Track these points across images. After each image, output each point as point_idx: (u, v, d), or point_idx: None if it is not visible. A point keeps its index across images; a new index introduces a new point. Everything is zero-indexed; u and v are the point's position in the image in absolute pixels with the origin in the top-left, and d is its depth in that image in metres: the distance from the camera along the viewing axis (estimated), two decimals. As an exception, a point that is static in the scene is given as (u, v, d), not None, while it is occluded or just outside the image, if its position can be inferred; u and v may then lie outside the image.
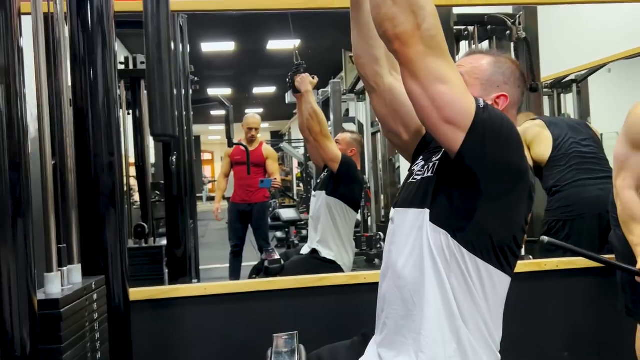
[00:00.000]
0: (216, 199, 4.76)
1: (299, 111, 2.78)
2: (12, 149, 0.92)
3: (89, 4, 1.41)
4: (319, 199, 2.75)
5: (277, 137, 14.14)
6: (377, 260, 4.78)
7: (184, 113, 2.65)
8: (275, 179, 4.49)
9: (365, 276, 2.07)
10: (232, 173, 4.55)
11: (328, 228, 2.68)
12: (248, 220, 4.40)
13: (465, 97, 1.03)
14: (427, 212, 1.10)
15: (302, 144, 9.16)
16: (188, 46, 2.87)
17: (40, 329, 0.98)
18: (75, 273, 1.23)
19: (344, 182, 2.66)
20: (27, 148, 0.94)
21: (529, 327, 2.06)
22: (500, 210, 1.08)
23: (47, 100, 1.14)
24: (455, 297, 1.07)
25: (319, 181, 2.91)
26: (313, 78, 2.65)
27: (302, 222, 5.50)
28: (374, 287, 2.02)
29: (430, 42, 1.00)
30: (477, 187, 1.05)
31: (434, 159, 1.17)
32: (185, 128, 2.66)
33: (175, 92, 0.98)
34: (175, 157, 2.49)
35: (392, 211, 1.24)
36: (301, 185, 11.22)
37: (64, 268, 1.19)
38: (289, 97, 8.52)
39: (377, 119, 1.43)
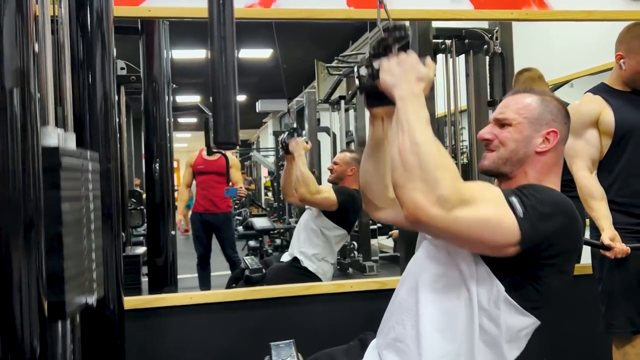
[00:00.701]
0: (179, 210, 4.65)
1: (287, 171, 2.83)
2: (26, 152, 0.90)
3: (88, 8, 1.39)
4: (313, 213, 2.76)
5: (245, 146, 14.07)
6: (350, 270, 4.80)
7: (167, 120, 2.63)
8: (241, 187, 4.49)
9: (352, 285, 2.09)
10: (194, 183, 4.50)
11: (315, 243, 2.70)
12: (213, 230, 4.36)
13: (503, 220, 1.03)
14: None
15: (272, 153, 9.17)
16: (170, 53, 2.85)
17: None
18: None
19: (344, 214, 2.72)
20: (40, 151, 0.92)
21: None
22: (561, 276, 1.12)
23: (53, 104, 1.12)
24: (482, 337, 1.10)
25: None
26: (307, 143, 2.70)
27: (275, 231, 5.49)
28: (360, 295, 2.07)
29: (446, 205, 0.98)
30: (541, 263, 1.09)
31: None
32: (168, 135, 2.63)
33: (237, 101, 0.98)
34: (158, 164, 2.46)
35: None
36: (269, 194, 11.21)
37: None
38: (259, 106, 8.53)
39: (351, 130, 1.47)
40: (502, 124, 1.23)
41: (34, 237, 0.90)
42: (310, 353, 1.41)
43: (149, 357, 1.84)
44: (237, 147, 12.86)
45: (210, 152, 3.76)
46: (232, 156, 4.68)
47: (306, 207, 2.91)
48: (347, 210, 2.73)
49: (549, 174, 1.20)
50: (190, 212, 4.90)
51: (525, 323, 1.12)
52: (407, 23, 2.54)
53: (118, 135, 1.47)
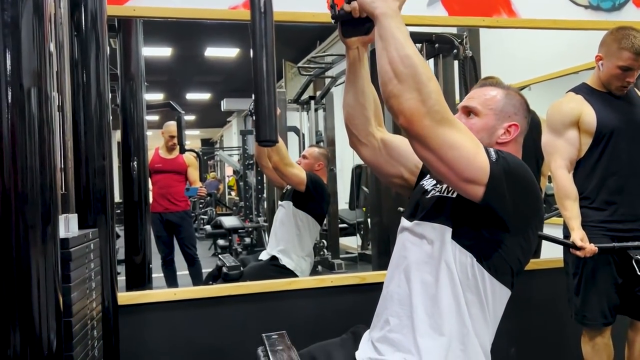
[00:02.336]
0: None
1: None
2: (43, 150, 0.93)
3: (82, 8, 1.41)
4: (285, 209, 2.80)
5: (208, 145, 13.96)
6: (319, 267, 4.87)
7: (143, 118, 2.63)
8: (201, 187, 4.50)
9: (332, 279, 2.16)
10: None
11: (291, 238, 2.74)
12: (173, 229, 4.34)
13: (478, 156, 1.11)
14: (449, 230, 1.20)
15: (237, 152, 9.13)
16: (143, 50, 2.85)
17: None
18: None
19: (312, 199, 2.74)
20: (56, 148, 0.95)
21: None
22: (521, 243, 1.21)
23: (57, 103, 1.14)
24: (469, 311, 1.18)
25: (285, 191, 2.96)
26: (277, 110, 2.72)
27: (244, 230, 5.51)
28: (340, 289, 2.14)
29: (435, 116, 1.07)
30: (503, 226, 1.16)
31: None
32: (144, 132, 2.64)
33: (277, 100, 1.04)
34: (136, 162, 2.46)
35: (406, 222, 1.32)
36: (232, 193, 11.15)
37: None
38: (224, 105, 8.50)
39: (368, 166, 1.49)
40: (469, 112, 1.32)
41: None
42: (297, 345, 1.45)
43: (135, 351, 1.86)
44: (200, 147, 12.70)
45: (182, 150, 3.75)
46: (190, 155, 4.63)
47: (279, 204, 2.95)
48: (314, 196, 2.75)
49: None
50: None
51: (499, 292, 1.21)
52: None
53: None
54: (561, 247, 2.11)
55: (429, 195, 1.30)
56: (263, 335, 1.41)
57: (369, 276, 2.10)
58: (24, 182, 0.89)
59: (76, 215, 1.23)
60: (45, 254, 0.92)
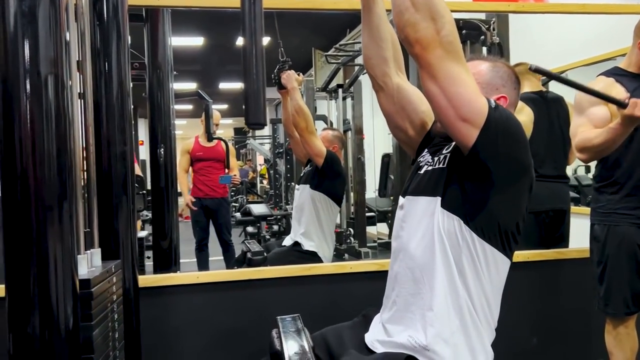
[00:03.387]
0: (184, 194, 4.67)
1: (284, 108, 2.86)
2: (60, 136, 0.97)
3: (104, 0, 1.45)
4: (303, 192, 2.83)
5: (240, 134, 14.10)
6: (346, 255, 4.90)
7: (170, 107, 2.69)
8: (235, 175, 4.57)
9: (352, 266, 2.18)
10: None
11: (311, 221, 2.77)
12: (211, 215, 4.46)
13: (479, 98, 1.13)
14: (438, 200, 1.21)
15: (268, 141, 9.21)
16: (171, 40, 2.90)
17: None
18: (96, 257, 1.28)
19: (328, 177, 2.75)
20: (74, 135, 1.00)
21: (500, 314, 2.21)
22: (508, 200, 1.20)
23: (77, 92, 1.19)
24: (463, 277, 1.18)
25: (302, 175, 2.99)
26: (298, 75, 2.73)
27: (273, 218, 5.57)
28: (359, 276, 2.15)
29: (448, 47, 1.10)
30: (489, 179, 1.16)
31: (444, 152, 1.28)
32: (172, 121, 2.70)
33: (265, 85, 1.07)
34: (162, 149, 2.53)
35: (402, 199, 1.34)
36: (264, 182, 11.26)
37: (88, 252, 1.24)
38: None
39: (383, 116, 1.50)
40: None
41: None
42: (312, 328, 1.49)
43: (159, 332, 1.92)
44: (232, 136, 12.84)
45: (210, 139, 3.82)
46: (229, 143, 4.74)
47: (296, 188, 2.98)
48: (330, 174, 2.76)
49: None
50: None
51: (492, 257, 1.19)
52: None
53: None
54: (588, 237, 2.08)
55: (422, 171, 1.31)
56: (277, 317, 1.45)
57: (386, 263, 2.10)
58: (41, 169, 0.94)
59: (99, 250, 1.28)
60: (62, 242, 0.96)
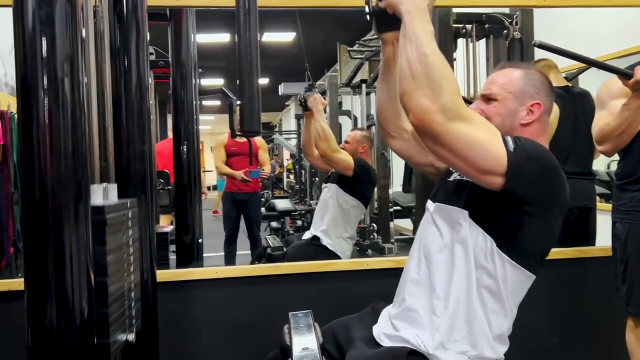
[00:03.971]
0: (234, 174, 4.48)
1: (306, 128, 2.91)
2: (78, 135, 1.00)
3: (124, 1, 1.48)
4: (330, 190, 2.85)
5: (267, 129, 14.21)
6: (369, 251, 4.90)
7: (194, 103, 2.73)
8: (264, 169, 4.62)
9: (368, 263, 2.19)
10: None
11: (335, 220, 2.79)
12: (242, 209, 4.53)
13: (493, 147, 1.12)
14: (466, 213, 1.21)
15: (294, 136, 9.26)
16: (196, 38, 2.94)
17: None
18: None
19: (359, 183, 2.78)
20: (92, 134, 1.03)
21: (520, 313, 2.19)
22: (543, 227, 1.20)
23: (95, 90, 1.22)
24: (480, 294, 1.19)
25: (330, 174, 3.01)
26: (324, 99, 2.78)
27: (297, 213, 5.61)
28: (375, 273, 2.16)
29: (447, 114, 1.08)
30: (523, 210, 1.16)
31: None
32: (195, 117, 2.74)
33: (260, 93, 1.09)
34: (185, 146, 2.57)
35: (430, 203, 1.35)
36: (291, 176, 11.33)
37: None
38: (281, 89, 8.61)
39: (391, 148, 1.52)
40: (488, 99, 1.30)
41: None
42: (326, 323, 1.52)
43: (178, 326, 1.97)
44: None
45: (234, 135, 3.86)
46: (259, 138, 4.80)
47: (323, 185, 3.00)
48: (361, 181, 2.78)
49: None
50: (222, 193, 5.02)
51: (519, 277, 1.21)
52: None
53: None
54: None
55: (451, 178, 1.32)
56: (289, 313, 1.47)
57: (404, 260, 2.10)
58: (58, 161, 0.98)
59: (115, 185, 1.30)
60: (77, 226, 1.00)
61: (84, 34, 1.04)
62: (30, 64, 0.97)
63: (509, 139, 1.15)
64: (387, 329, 1.32)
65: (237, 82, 1.05)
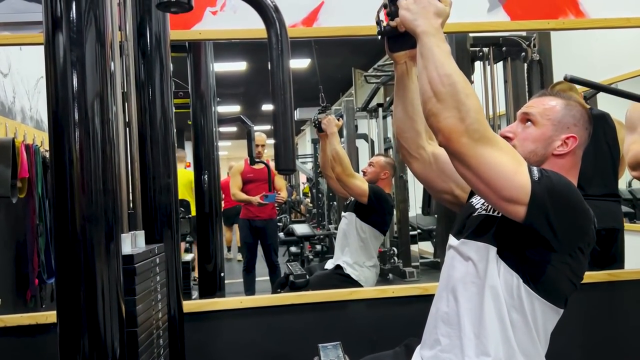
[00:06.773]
0: (250, 199, 4.44)
1: (322, 150, 2.91)
2: (106, 172, 1.01)
3: (147, 33, 1.51)
4: (348, 220, 2.84)
5: (283, 153, 14.23)
6: (390, 275, 4.85)
7: (214, 131, 2.75)
8: (279, 194, 4.61)
9: (394, 290, 2.15)
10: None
11: (354, 249, 2.77)
12: (259, 235, 4.52)
13: (518, 175, 1.09)
14: (494, 249, 1.19)
15: (310, 159, 9.28)
16: (214, 68, 2.98)
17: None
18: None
19: (376, 212, 2.76)
20: (121, 166, 1.03)
21: (551, 339, 2.14)
22: (569, 262, 1.17)
23: (123, 123, 1.23)
24: (514, 331, 1.16)
25: (348, 202, 3.00)
26: (338, 120, 2.78)
27: (316, 238, 5.58)
28: (401, 300, 2.13)
29: (474, 135, 1.07)
30: (548, 246, 1.13)
31: None
32: (215, 145, 2.76)
33: (294, 133, 1.10)
34: (207, 175, 2.58)
35: (454, 240, 1.31)
36: (306, 200, 11.31)
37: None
38: (297, 114, 8.67)
39: (413, 175, 1.48)
40: (527, 119, 1.28)
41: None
42: (354, 355, 1.48)
43: (203, 357, 1.95)
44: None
45: (252, 162, 3.88)
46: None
47: (342, 214, 2.99)
48: (377, 209, 2.76)
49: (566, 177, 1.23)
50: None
51: (548, 312, 1.18)
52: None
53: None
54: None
55: (476, 214, 1.28)
56: (319, 345, 1.45)
57: (430, 287, 2.07)
58: (89, 202, 0.98)
59: (143, 232, 1.32)
60: (109, 269, 1.00)
61: (112, 70, 1.05)
62: (62, 101, 0.98)
63: (535, 169, 1.12)
64: None
65: (272, 122, 1.05)
